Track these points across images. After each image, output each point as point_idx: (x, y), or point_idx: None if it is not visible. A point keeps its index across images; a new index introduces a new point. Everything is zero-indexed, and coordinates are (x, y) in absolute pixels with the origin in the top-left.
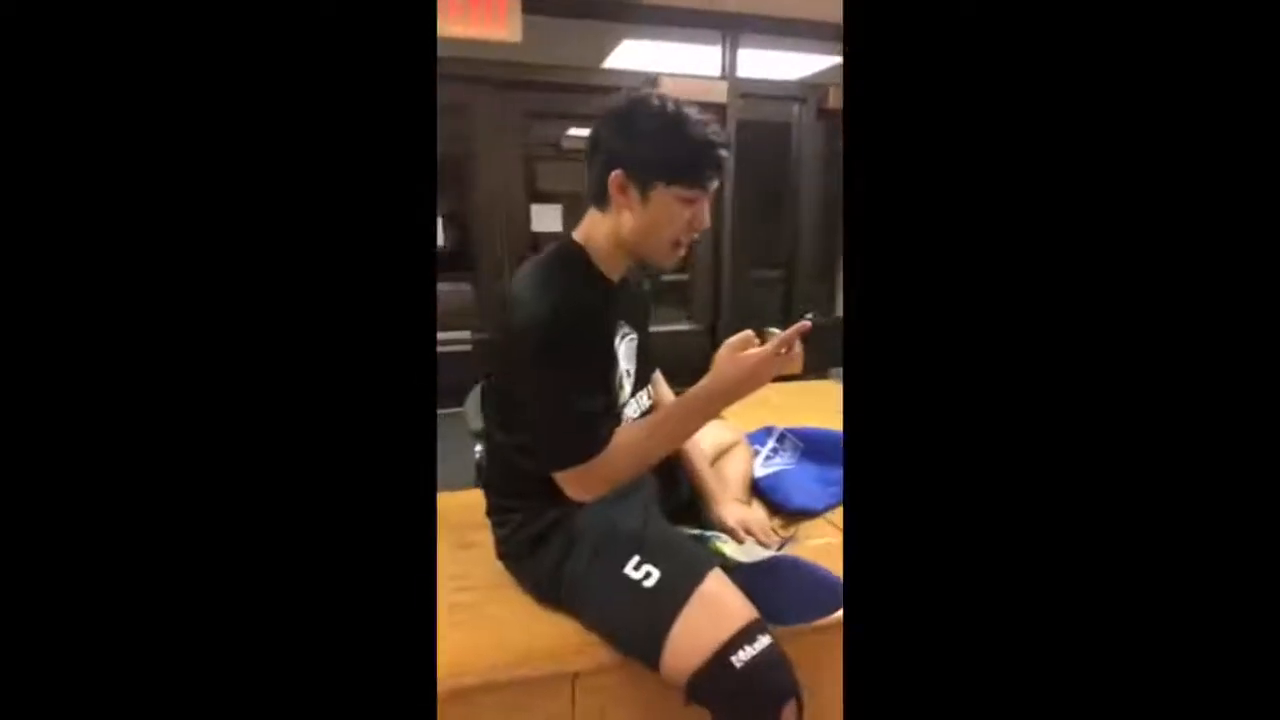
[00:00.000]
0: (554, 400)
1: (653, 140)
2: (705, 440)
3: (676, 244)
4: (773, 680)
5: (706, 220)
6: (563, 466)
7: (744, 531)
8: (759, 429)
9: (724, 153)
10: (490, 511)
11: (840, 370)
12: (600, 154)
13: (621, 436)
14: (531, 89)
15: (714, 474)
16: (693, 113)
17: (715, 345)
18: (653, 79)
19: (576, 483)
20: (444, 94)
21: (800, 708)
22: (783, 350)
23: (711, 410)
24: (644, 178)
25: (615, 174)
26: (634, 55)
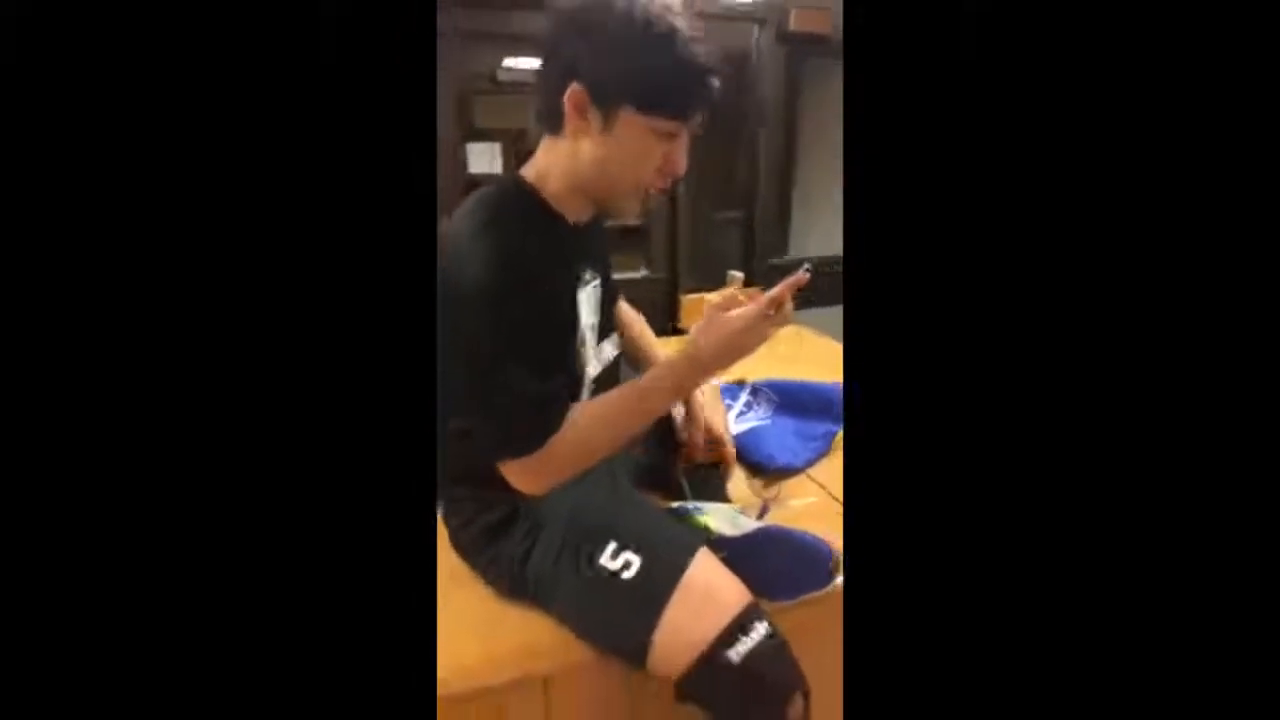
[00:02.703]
0: (494, 378)
1: (627, 53)
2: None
3: (643, 188)
4: (775, 673)
5: (684, 163)
6: (506, 456)
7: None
8: (730, 382)
9: (715, 81)
10: (438, 499)
11: (802, 314)
12: (556, 63)
13: (581, 418)
14: (466, 4)
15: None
16: (683, 26)
17: (675, 293)
18: None
19: (523, 475)
20: None
21: (806, 701)
22: (774, 309)
23: (689, 384)
24: (610, 98)
25: (573, 89)
26: None
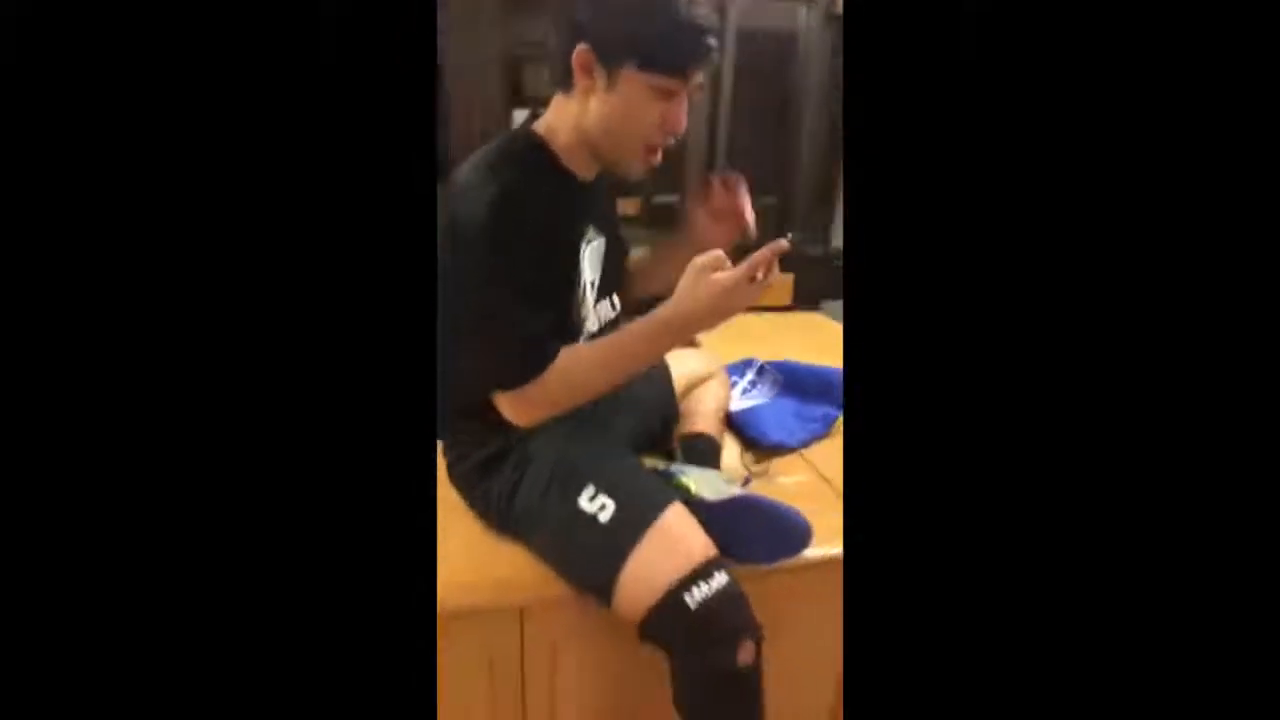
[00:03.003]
0: (491, 313)
1: (628, 14)
2: (679, 369)
3: (648, 147)
4: (728, 619)
5: (683, 121)
6: (499, 387)
7: None
8: (739, 360)
9: (712, 41)
10: (439, 431)
11: (831, 305)
12: (567, 25)
13: (567, 360)
14: None
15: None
16: None
17: None
18: None
19: (513, 406)
20: None
21: (758, 647)
22: (758, 274)
23: (671, 340)
24: (612, 57)
25: (580, 48)
26: None
